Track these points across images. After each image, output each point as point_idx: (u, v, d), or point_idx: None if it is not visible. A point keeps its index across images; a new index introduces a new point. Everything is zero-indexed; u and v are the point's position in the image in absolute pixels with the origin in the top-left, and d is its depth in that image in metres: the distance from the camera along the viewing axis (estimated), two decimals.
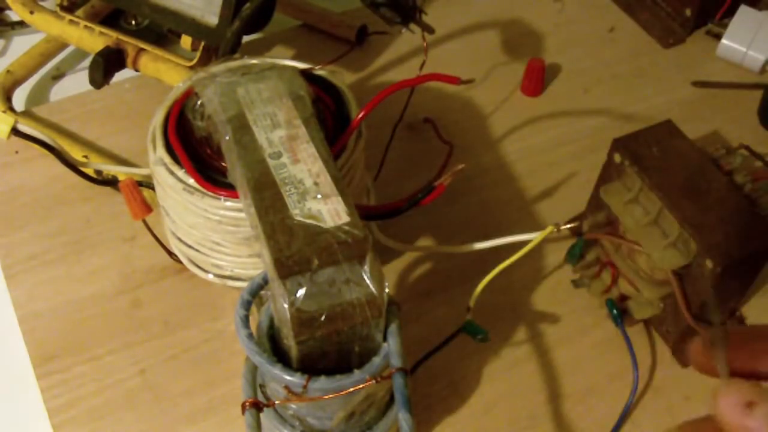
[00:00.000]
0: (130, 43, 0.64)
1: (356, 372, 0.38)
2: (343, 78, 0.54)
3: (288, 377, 0.37)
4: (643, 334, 0.57)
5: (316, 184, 0.40)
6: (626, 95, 0.74)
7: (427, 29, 0.58)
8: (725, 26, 0.76)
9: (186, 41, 0.62)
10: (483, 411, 0.53)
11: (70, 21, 0.65)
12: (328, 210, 0.39)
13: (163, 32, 0.73)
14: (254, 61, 0.53)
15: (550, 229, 0.53)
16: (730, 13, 0.76)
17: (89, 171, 0.59)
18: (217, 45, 0.59)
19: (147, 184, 0.56)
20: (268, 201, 0.39)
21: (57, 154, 0.55)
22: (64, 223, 0.61)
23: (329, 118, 0.51)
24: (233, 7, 0.57)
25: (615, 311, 0.54)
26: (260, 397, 0.41)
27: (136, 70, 0.65)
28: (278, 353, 0.39)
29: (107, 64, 0.63)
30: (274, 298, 0.38)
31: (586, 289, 0.58)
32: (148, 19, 0.64)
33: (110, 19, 0.72)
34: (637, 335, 0.56)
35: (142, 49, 0.64)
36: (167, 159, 0.49)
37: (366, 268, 0.37)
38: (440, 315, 0.57)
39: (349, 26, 0.76)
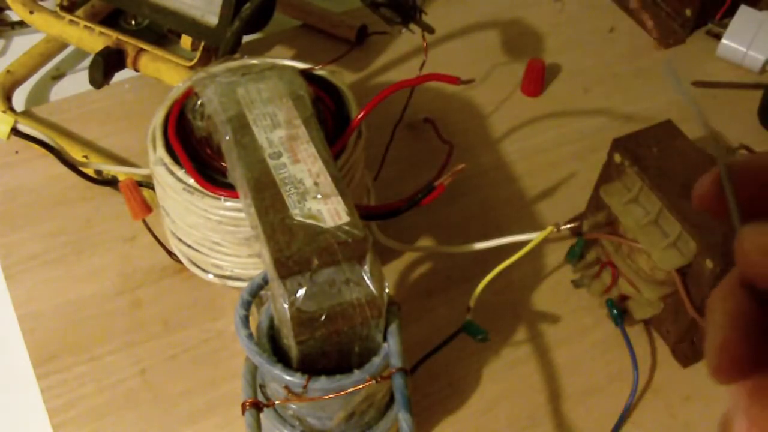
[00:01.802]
0: (130, 43, 0.64)
1: (356, 372, 0.38)
2: (343, 78, 0.54)
3: (288, 377, 0.37)
4: (643, 334, 0.57)
5: (316, 184, 0.40)
6: (626, 95, 0.74)
7: (427, 29, 0.58)
8: (725, 26, 0.76)
9: (186, 41, 0.62)
10: (483, 411, 0.53)
11: (70, 21, 0.65)
12: (328, 210, 0.39)
13: (163, 32, 0.74)
14: (254, 61, 0.53)
15: (550, 229, 0.54)
16: (730, 13, 0.76)
17: (89, 171, 0.59)
18: (217, 45, 0.59)
19: (147, 184, 0.56)
20: (268, 201, 0.39)
21: (57, 154, 0.55)
22: (64, 223, 0.61)
23: (329, 118, 0.51)
24: (233, 7, 0.57)
25: (615, 311, 0.54)
26: (260, 397, 0.41)
27: (136, 70, 0.65)
28: (278, 353, 0.39)
29: (107, 64, 0.63)
30: (274, 298, 0.38)
31: (586, 289, 0.58)
32: (148, 19, 0.64)
33: (110, 19, 0.72)
34: (637, 335, 0.56)
35: (142, 49, 0.64)
36: (167, 159, 0.49)
37: (366, 268, 0.37)
38: (440, 315, 0.57)
39: (349, 26, 0.76)
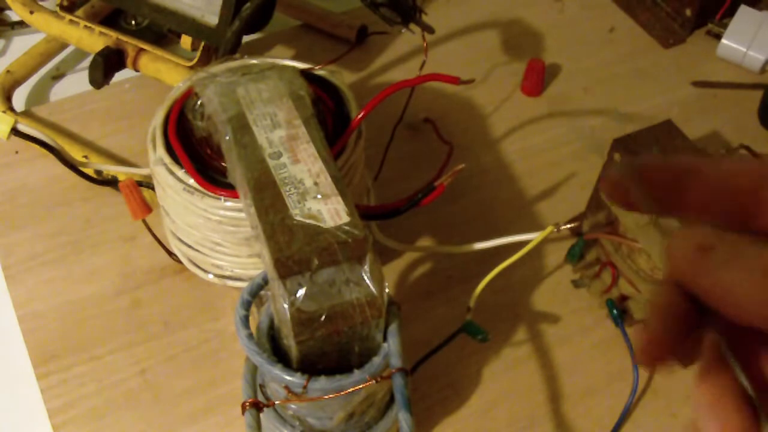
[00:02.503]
0: (130, 43, 0.64)
1: (356, 372, 0.38)
2: (343, 78, 0.54)
3: (288, 377, 0.37)
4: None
5: (316, 184, 0.40)
6: (626, 95, 0.74)
7: (427, 29, 0.58)
8: (725, 26, 0.76)
9: (186, 41, 0.62)
10: (483, 411, 0.53)
11: (70, 21, 0.65)
12: (328, 210, 0.39)
13: (163, 32, 0.74)
14: (254, 61, 0.53)
15: (550, 229, 0.53)
16: (730, 13, 0.76)
17: (89, 171, 0.59)
18: (217, 45, 0.59)
19: (147, 184, 0.56)
20: (268, 201, 0.39)
21: (57, 154, 0.55)
22: (64, 223, 0.61)
23: (329, 118, 0.51)
24: (233, 7, 0.57)
25: (615, 311, 0.54)
26: (260, 397, 0.41)
27: (136, 70, 0.65)
28: (278, 353, 0.39)
29: (107, 64, 0.63)
30: (274, 298, 0.38)
31: (586, 289, 0.58)
32: (148, 19, 0.64)
33: (110, 19, 0.72)
34: (637, 335, 0.56)
35: (142, 49, 0.64)
36: (167, 159, 0.49)
37: (366, 268, 0.37)
38: (440, 315, 0.57)
39: (349, 26, 0.76)
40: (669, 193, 0.26)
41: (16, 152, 0.66)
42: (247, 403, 0.38)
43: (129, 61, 0.64)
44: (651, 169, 0.26)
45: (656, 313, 0.25)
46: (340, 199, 0.40)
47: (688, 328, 0.25)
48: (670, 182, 0.26)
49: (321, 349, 0.37)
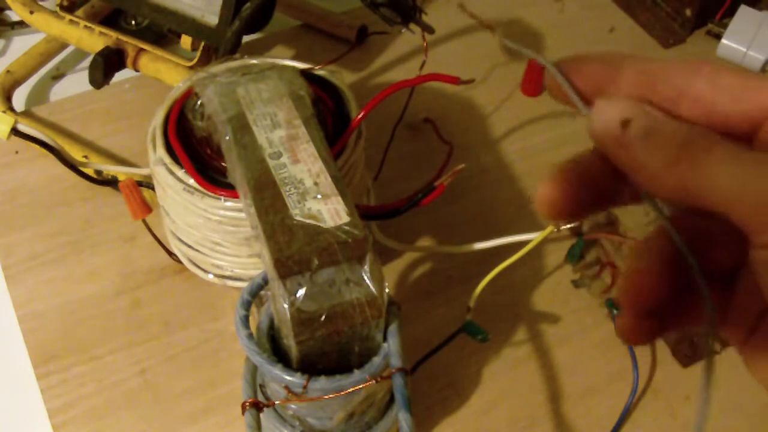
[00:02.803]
0: (130, 43, 0.64)
1: (356, 372, 0.38)
2: (343, 78, 0.54)
3: (288, 377, 0.37)
4: None
5: (316, 184, 0.40)
6: None
7: (427, 29, 0.58)
8: (725, 26, 0.76)
9: (186, 41, 0.62)
10: (483, 411, 0.53)
11: (70, 21, 0.65)
12: (328, 210, 0.39)
13: (163, 32, 0.73)
14: (254, 61, 0.53)
15: (550, 229, 0.54)
16: (730, 13, 0.76)
17: (89, 171, 0.59)
18: (217, 45, 0.59)
19: (147, 184, 0.56)
20: (268, 201, 0.39)
21: (57, 154, 0.55)
22: (64, 223, 0.61)
23: (329, 118, 0.51)
24: (233, 7, 0.57)
25: (615, 311, 0.54)
26: (260, 397, 0.41)
27: (136, 70, 0.65)
28: (278, 353, 0.39)
29: (107, 64, 0.63)
30: (274, 298, 0.38)
31: (586, 289, 0.58)
32: (148, 19, 0.64)
33: (110, 19, 0.72)
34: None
35: (142, 49, 0.64)
36: (167, 159, 0.49)
37: (366, 268, 0.37)
38: (440, 315, 0.57)
39: (349, 26, 0.76)
40: (597, 84, 0.27)
41: (16, 152, 0.66)
42: (247, 403, 0.38)
43: (129, 61, 0.64)
44: (579, 65, 0.28)
45: (565, 167, 0.27)
46: (340, 199, 0.40)
47: (595, 187, 0.26)
48: (598, 74, 0.27)
49: (321, 349, 0.37)
